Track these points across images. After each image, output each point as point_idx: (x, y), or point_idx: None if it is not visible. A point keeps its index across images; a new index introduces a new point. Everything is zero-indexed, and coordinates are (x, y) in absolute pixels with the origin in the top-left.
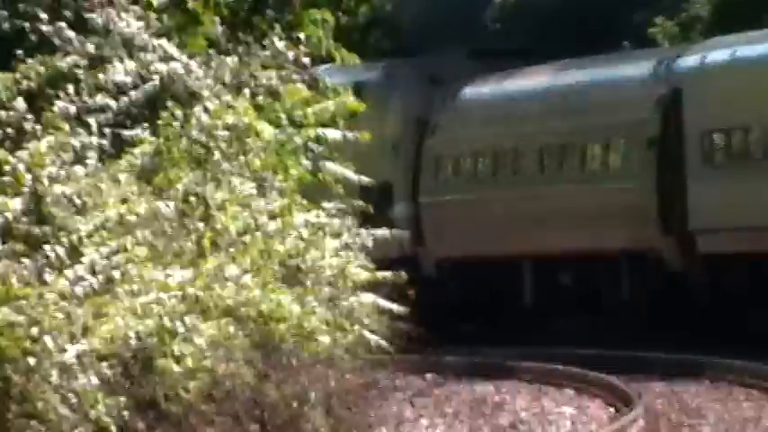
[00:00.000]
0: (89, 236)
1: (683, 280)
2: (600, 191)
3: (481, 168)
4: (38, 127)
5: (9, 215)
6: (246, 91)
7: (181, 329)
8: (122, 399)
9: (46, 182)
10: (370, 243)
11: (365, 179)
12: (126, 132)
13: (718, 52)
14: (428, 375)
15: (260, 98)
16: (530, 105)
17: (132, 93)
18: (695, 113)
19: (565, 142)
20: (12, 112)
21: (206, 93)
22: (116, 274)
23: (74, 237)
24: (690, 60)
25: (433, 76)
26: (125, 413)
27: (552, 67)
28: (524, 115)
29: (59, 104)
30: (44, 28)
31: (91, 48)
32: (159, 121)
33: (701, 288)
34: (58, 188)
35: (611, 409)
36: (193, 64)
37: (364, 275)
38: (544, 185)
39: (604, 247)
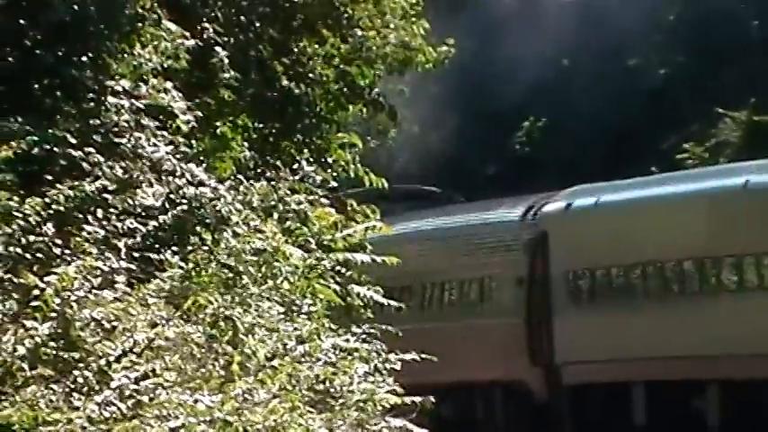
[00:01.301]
0: (117, 360)
1: (549, 409)
2: (477, 325)
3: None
4: (66, 251)
5: (37, 339)
6: (275, 215)
7: None
8: None
9: (74, 306)
10: (398, 366)
11: (394, 303)
12: (154, 256)
13: (582, 199)
14: None
15: (288, 222)
16: (416, 245)
17: (161, 217)
18: (560, 255)
19: (444, 280)
20: (40, 237)
21: (235, 217)
22: (145, 398)
23: (102, 361)
24: (555, 206)
25: None
26: None
27: (436, 211)
28: (412, 255)
29: (88, 228)
30: (73, 152)
31: (119, 172)
32: (188, 246)
33: (565, 417)
34: (86, 312)
35: None
36: (222, 188)
37: (393, 400)
38: (429, 321)
39: (480, 379)
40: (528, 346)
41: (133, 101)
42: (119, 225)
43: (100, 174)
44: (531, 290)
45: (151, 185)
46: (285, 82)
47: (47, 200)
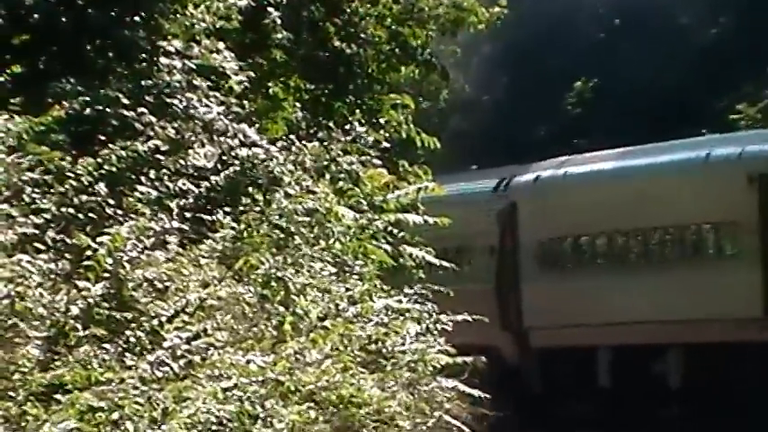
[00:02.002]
0: (170, 320)
1: (519, 373)
2: (456, 292)
3: None
4: (119, 212)
5: (90, 300)
6: (327, 176)
7: (262, 414)
8: None
9: (127, 266)
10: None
11: (445, 263)
12: (207, 217)
13: (551, 171)
14: None
15: (340, 183)
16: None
17: (213, 177)
18: (528, 225)
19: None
20: (93, 197)
21: (287, 178)
22: (197, 358)
23: (155, 321)
24: (525, 178)
25: None
26: None
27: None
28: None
29: (140, 189)
30: (125, 113)
31: (172, 132)
32: (240, 206)
33: (534, 380)
34: (138, 272)
35: None
36: (274, 149)
37: (444, 360)
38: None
39: (460, 343)
40: (499, 312)
41: (185, 61)
42: (171, 186)
43: (152, 134)
44: (502, 259)
45: (203, 146)
46: (337, 43)
47: (99, 160)
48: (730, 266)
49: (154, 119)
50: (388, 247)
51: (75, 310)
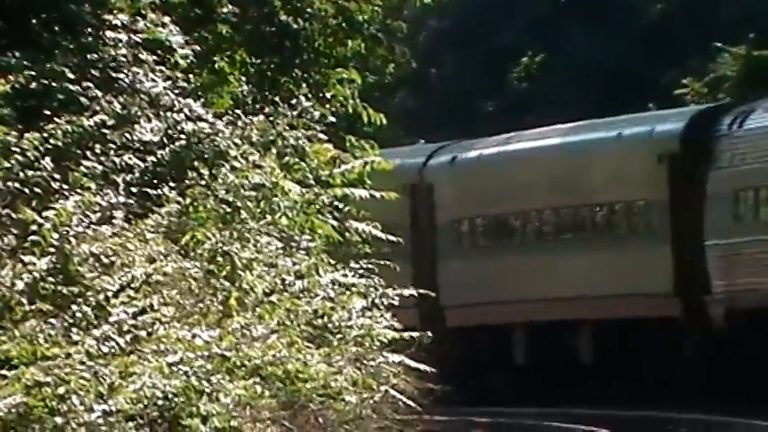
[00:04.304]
0: (116, 295)
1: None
2: (383, 269)
3: None
4: (64, 186)
5: (36, 274)
6: (273, 150)
7: (208, 389)
8: None
9: (73, 241)
10: (396, 302)
11: (392, 237)
12: (153, 191)
13: (465, 153)
14: None
15: (287, 157)
16: None
17: (159, 152)
18: (444, 205)
19: None
20: (38, 172)
21: (233, 152)
22: (143, 333)
23: (100, 296)
24: (441, 159)
25: None
26: None
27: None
28: None
29: (86, 163)
30: (71, 87)
31: (118, 107)
32: (186, 181)
33: (452, 359)
34: (84, 247)
35: None
36: (220, 123)
37: (391, 335)
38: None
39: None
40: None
41: (131, 35)
42: (117, 160)
43: (98, 108)
44: (416, 239)
45: (149, 120)
46: (283, 17)
47: (45, 134)
48: (641, 244)
49: (100, 93)
50: (335, 222)
51: (20, 285)
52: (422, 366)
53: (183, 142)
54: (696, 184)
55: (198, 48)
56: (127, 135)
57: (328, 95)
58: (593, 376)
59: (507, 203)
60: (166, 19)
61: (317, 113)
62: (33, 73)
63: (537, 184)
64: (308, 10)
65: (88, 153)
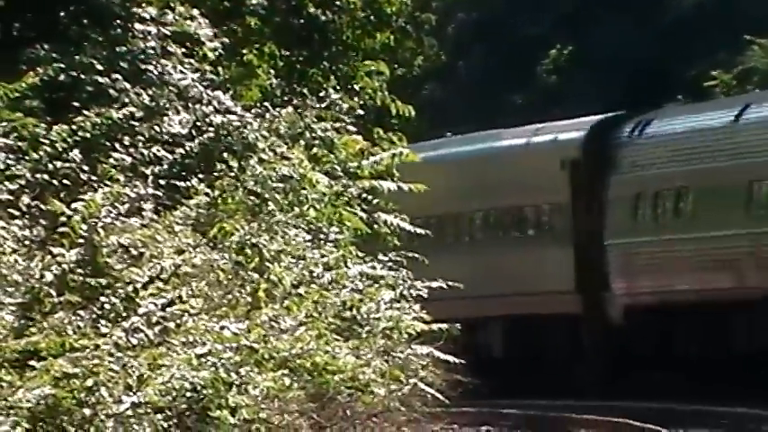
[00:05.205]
0: (144, 287)
1: None
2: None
3: None
4: (93, 178)
5: (65, 266)
6: (301, 142)
7: (236, 381)
8: None
9: (101, 232)
10: (425, 294)
11: (420, 230)
12: (181, 183)
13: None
14: (482, 428)
15: (315, 149)
16: None
17: (188, 144)
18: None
19: None
20: (68, 164)
21: (261, 144)
22: (171, 324)
23: (129, 288)
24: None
25: None
26: None
27: None
28: None
29: (115, 155)
30: (100, 79)
31: (146, 99)
32: (214, 173)
33: None
34: (113, 239)
35: None
36: (249, 116)
37: (419, 327)
38: None
39: None
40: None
41: (160, 28)
42: (146, 152)
43: (127, 101)
44: None
45: (178, 113)
46: (312, 9)
47: (74, 127)
48: (547, 245)
49: (128, 85)
50: (363, 214)
51: (49, 277)
52: (450, 358)
53: (212, 134)
54: (597, 189)
55: (227, 40)
56: (156, 127)
57: (357, 87)
58: (503, 369)
59: (425, 207)
60: (195, 11)
61: (345, 105)
62: (62, 65)
63: (454, 188)
64: (337, 2)
65: (117, 145)
